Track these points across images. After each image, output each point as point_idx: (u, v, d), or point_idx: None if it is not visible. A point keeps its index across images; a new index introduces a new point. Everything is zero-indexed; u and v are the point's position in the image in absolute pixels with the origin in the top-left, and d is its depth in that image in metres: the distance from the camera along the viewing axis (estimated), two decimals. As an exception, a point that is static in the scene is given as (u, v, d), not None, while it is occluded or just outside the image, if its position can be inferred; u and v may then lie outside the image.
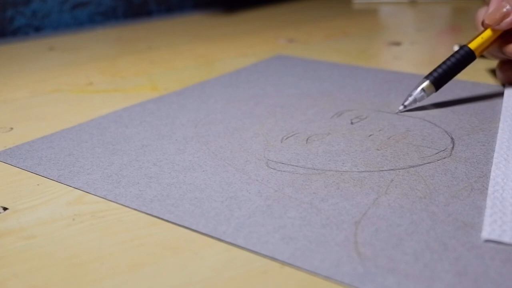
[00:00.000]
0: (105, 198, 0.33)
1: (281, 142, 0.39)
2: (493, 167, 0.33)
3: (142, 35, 0.76)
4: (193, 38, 0.74)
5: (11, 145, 0.41)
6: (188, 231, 0.29)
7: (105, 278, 0.26)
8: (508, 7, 0.44)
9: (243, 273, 0.26)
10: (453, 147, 0.37)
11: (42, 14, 0.79)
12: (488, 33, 0.46)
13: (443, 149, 0.37)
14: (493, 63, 0.52)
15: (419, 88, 0.44)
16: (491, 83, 0.50)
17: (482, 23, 0.46)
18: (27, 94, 0.53)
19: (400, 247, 0.27)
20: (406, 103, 0.44)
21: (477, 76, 0.53)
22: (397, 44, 0.66)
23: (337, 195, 0.32)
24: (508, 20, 0.44)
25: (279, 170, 0.35)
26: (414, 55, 0.64)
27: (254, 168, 0.36)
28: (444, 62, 0.45)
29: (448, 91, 0.48)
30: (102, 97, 0.51)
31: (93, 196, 0.33)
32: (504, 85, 0.48)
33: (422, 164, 0.35)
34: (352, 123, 0.42)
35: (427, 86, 0.44)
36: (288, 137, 0.40)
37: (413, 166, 0.35)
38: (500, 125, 0.40)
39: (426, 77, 0.44)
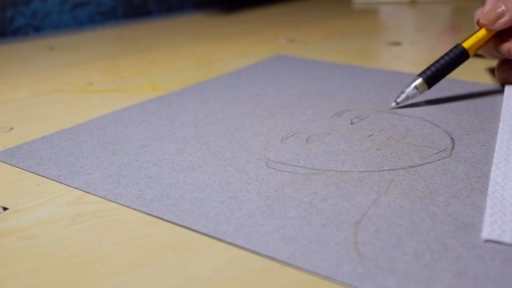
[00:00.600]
0: (105, 198, 0.33)
1: (281, 142, 0.39)
2: (493, 167, 0.33)
3: (142, 35, 0.76)
4: (193, 38, 0.74)
5: (11, 145, 0.41)
6: (188, 231, 0.29)
7: (105, 278, 0.26)
8: (503, 7, 0.45)
9: (243, 273, 0.26)
10: (453, 147, 0.37)
11: (42, 14, 0.79)
12: (482, 32, 0.46)
13: (443, 149, 0.37)
14: (493, 63, 0.52)
15: (412, 86, 0.45)
16: (491, 83, 0.50)
17: (477, 23, 0.46)
18: (27, 94, 0.53)
19: (400, 247, 0.27)
20: (398, 100, 0.45)
21: (477, 76, 0.53)
22: (397, 44, 0.66)
23: (337, 195, 0.32)
24: (502, 20, 0.45)
25: (279, 170, 0.35)
26: (414, 55, 0.64)
27: (254, 168, 0.36)
28: (437, 61, 0.45)
29: (448, 91, 0.48)
30: (102, 97, 0.51)
31: (93, 196, 0.33)
32: (502, 85, 0.48)
33: (422, 164, 0.35)
34: (352, 123, 0.42)
35: (420, 84, 0.45)
36: (288, 137, 0.40)
37: (413, 166, 0.35)
38: (500, 125, 0.40)
39: (419, 75, 0.45)
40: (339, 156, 0.37)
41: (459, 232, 0.28)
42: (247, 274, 0.26)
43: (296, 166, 0.36)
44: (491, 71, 0.54)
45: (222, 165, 0.36)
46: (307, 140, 0.39)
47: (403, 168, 0.35)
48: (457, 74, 0.51)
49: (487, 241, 0.27)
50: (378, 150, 0.37)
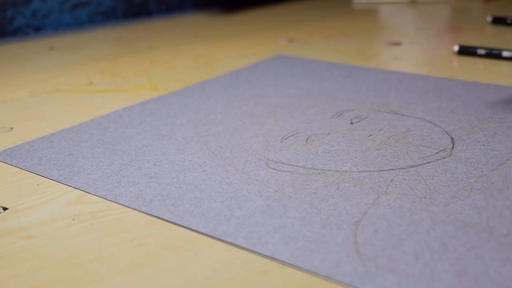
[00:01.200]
0: (105, 198, 0.33)
1: (281, 142, 0.39)
2: None
3: (142, 35, 0.76)
4: (193, 38, 0.74)
5: (11, 145, 0.41)
6: (188, 231, 0.29)
7: (105, 278, 0.26)
8: None
9: (243, 273, 0.26)
10: (453, 147, 0.37)
11: (42, 14, 0.79)
12: None
13: (443, 149, 0.37)
14: (493, 63, 0.52)
15: None
16: (491, 83, 0.50)
17: None
18: (27, 94, 0.53)
19: (400, 247, 0.27)
20: None
21: (477, 76, 0.53)
22: (397, 44, 0.66)
23: (337, 195, 0.32)
24: None
25: (279, 170, 0.35)
26: (414, 55, 0.64)
27: (254, 168, 0.36)
28: None
29: (448, 91, 0.48)
30: (102, 97, 0.51)
31: (93, 196, 0.33)
32: None
33: (422, 164, 0.35)
34: (352, 123, 0.42)
35: None
36: (288, 137, 0.40)
37: (413, 166, 0.35)
38: None
39: None
40: (339, 156, 0.37)
41: (459, 232, 0.28)
42: (247, 274, 0.26)
43: (296, 166, 0.36)
44: (491, 71, 0.54)
45: (222, 165, 0.36)
46: (307, 140, 0.39)
47: (403, 168, 0.35)
48: (457, 74, 0.51)
49: None
50: (378, 150, 0.37)
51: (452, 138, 0.39)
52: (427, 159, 0.36)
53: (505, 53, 0.57)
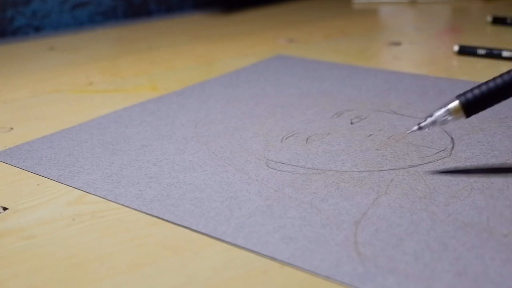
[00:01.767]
0: (105, 198, 0.33)
1: (281, 142, 0.39)
2: None
3: (142, 35, 0.76)
4: (193, 38, 0.74)
5: (11, 145, 0.41)
6: (188, 231, 0.29)
7: (105, 278, 0.26)
8: None
9: (243, 273, 0.26)
10: (453, 147, 0.37)
11: (42, 14, 0.79)
12: None
13: (443, 149, 0.37)
14: (493, 63, 0.52)
15: (444, 109, 0.34)
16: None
17: None
18: (27, 94, 0.53)
19: (400, 247, 0.27)
20: (422, 124, 0.34)
21: (477, 76, 0.53)
22: (397, 44, 0.66)
23: (337, 195, 0.32)
24: None
25: (279, 170, 0.35)
26: (414, 55, 0.64)
27: (254, 168, 0.36)
28: (487, 82, 0.34)
29: (448, 91, 0.48)
30: (102, 97, 0.51)
31: (93, 196, 0.33)
32: None
33: (422, 164, 0.35)
34: (352, 123, 0.42)
35: (455, 109, 0.33)
36: (288, 137, 0.40)
37: (413, 166, 0.35)
38: None
39: (457, 96, 0.34)
40: (339, 156, 0.37)
41: (459, 232, 0.28)
42: (247, 274, 0.26)
43: (296, 166, 0.36)
44: (491, 71, 0.54)
45: (222, 165, 0.36)
46: (307, 140, 0.39)
47: (403, 168, 0.35)
48: (457, 74, 0.51)
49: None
50: (378, 150, 0.37)
51: (452, 138, 0.39)
52: (427, 159, 0.36)
53: (505, 53, 0.57)
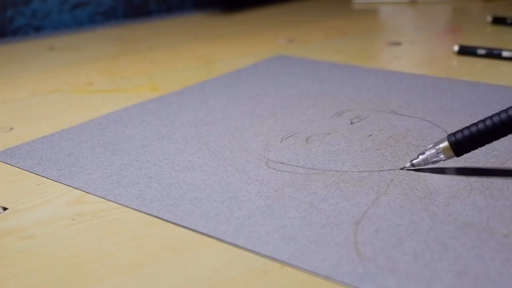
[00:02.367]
0: (105, 198, 0.33)
1: (281, 142, 0.39)
2: None
3: (142, 35, 0.76)
4: (193, 38, 0.74)
5: (11, 145, 0.41)
6: (188, 231, 0.29)
7: (105, 278, 0.26)
8: None
9: (243, 273, 0.26)
10: (453, 147, 0.37)
11: (42, 14, 0.79)
12: None
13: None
14: (493, 63, 0.52)
15: (434, 148, 0.34)
16: (491, 83, 0.50)
17: None
18: (27, 94, 0.53)
19: (400, 247, 0.27)
20: (414, 162, 0.35)
21: (477, 76, 0.53)
22: (397, 44, 0.66)
23: (337, 195, 0.32)
24: None
25: (279, 170, 0.35)
26: (414, 55, 0.64)
27: (254, 168, 0.36)
28: (477, 123, 0.34)
29: (448, 91, 0.48)
30: (102, 97, 0.51)
31: (93, 196, 0.33)
32: None
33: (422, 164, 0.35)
34: (352, 123, 0.42)
35: (444, 148, 0.34)
36: (288, 137, 0.40)
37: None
38: None
39: (449, 136, 0.34)
40: (339, 156, 0.37)
41: (459, 232, 0.28)
42: (247, 274, 0.26)
43: (296, 166, 0.36)
44: (491, 71, 0.54)
45: (222, 165, 0.36)
46: (307, 140, 0.40)
47: (403, 168, 0.35)
48: (457, 74, 0.51)
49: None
50: (378, 150, 0.37)
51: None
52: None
53: (505, 53, 0.57)
